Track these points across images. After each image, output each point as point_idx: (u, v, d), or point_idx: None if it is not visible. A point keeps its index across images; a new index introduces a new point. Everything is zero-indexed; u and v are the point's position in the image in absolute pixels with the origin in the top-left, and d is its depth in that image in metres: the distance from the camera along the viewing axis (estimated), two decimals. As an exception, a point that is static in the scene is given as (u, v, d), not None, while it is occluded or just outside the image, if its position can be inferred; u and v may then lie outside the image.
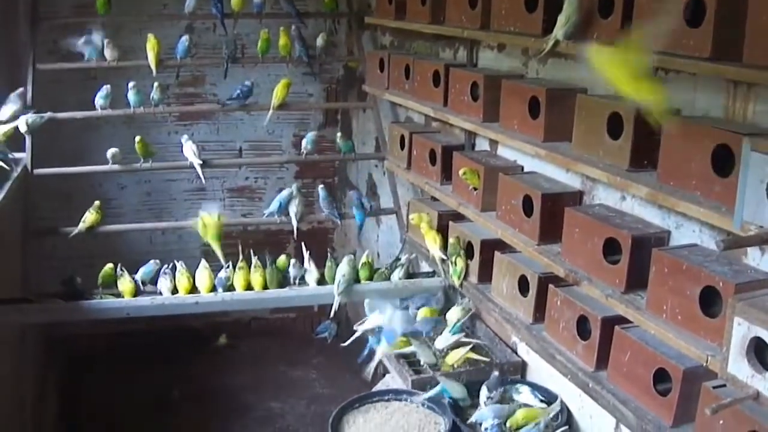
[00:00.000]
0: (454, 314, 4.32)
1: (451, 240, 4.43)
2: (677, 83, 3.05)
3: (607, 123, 3.15)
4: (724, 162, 2.61)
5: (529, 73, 4.11)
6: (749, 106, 2.75)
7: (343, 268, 4.68)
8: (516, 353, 4.11)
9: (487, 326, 4.32)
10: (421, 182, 4.79)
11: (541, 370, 3.87)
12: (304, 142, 5.62)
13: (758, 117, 2.72)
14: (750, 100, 2.75)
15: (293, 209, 5.19)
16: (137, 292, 4.66)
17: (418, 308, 4.52)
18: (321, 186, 5.42)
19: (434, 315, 4.45)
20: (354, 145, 6.01)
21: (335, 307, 4.67)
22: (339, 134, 5.86)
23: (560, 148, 3.49)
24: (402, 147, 5.02)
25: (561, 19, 3.25)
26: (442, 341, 4.16)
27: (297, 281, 4.79)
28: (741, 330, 2.30)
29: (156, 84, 5.39)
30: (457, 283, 4.34)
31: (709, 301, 2.67)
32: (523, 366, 4.05)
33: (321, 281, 4.84)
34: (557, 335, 3.52)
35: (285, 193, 5.23)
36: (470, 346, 4.07)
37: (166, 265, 4.72)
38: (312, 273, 4.81)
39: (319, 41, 5.96)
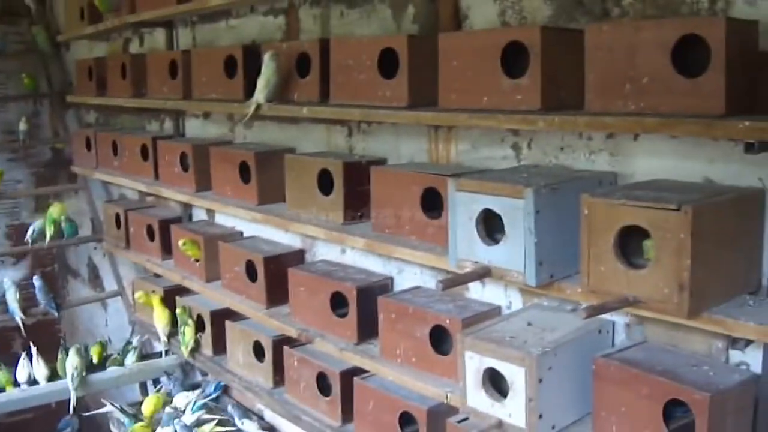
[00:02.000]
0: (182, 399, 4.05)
1: (177, 311, 4.13)
2: (379, 134, 3.01)
3: (318, 180, 3.03)
4: (434, 204, 2.56)
5: (236, 138, 3.95)
6: (451, 147, 2.75)
7: (74, 361, 4.28)
8: (263, 420, 3.88)
9: (229, 396, 4.04)
10: (142, 260, 4.46)
11: (290, 433, 3.67)
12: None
13: (461, 156, 2.72)
14: (451, 141, 2.75)
15: (12, 304, 4.75)
16: None
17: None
18: (36, 276, 5.03)
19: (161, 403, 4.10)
20: (77, 226, 5.55)
21: (73, 402, 4.27)
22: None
23: (276, 210, 3.32)
24: (118, 226, 4.67)
25: (260, 82, 3.10)
26: (186, 420, 3.85)
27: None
28: (474, 363, 2.28)
29: None
30: (186, 353, 4.05)
31: (440, 339, 2.61)
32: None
33: (54, 375, 4.41)
34: (299, 396, 3.34)
35: None
36: (215, 422, 3.81)
37: None
38: (42, 369, 4.38)
39: (22, 125, 5.57)
